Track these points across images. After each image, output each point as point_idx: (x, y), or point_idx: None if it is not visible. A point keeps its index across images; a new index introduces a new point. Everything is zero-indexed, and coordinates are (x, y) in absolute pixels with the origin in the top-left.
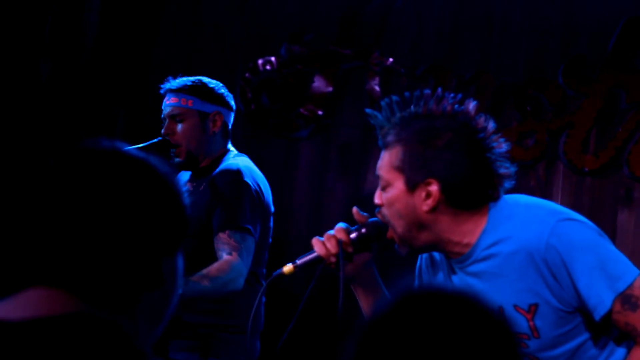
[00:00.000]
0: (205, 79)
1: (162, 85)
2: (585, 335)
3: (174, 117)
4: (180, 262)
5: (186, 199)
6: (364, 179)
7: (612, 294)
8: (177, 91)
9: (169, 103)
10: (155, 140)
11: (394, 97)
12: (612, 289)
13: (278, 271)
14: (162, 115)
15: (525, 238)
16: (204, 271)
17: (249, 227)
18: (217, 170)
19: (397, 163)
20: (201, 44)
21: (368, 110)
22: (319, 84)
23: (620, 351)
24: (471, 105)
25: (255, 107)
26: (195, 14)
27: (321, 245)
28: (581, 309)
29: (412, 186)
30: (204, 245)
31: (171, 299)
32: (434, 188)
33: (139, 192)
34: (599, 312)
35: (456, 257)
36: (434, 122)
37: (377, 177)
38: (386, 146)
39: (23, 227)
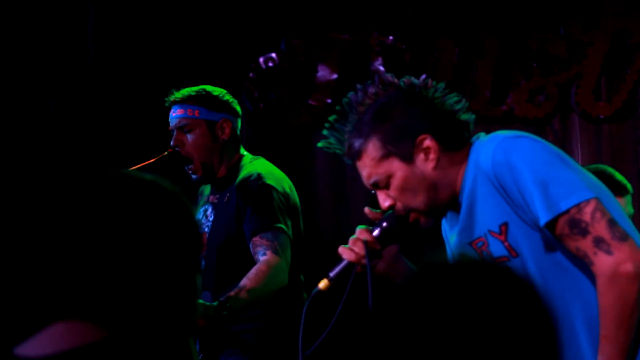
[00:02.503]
0: (209, 88)
1: (166, 98)
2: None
3: (182, 129)
4: (199, 279)
5: (199, 216)
6: None
7: (550, 212)
8: (182, 102)
9: (175, 115)
10: (166, 153)
11: (331, 118)
12: (550, 207)
13: (315, 290)
14: (170, 127)
15: (480, 160)
16: (244, 280)
17: (280, 225)
18: (239, 179)
19: (381, 152)
20: (200, 50)
21: (321, 146)
22: (323, 72)
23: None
24: (410, 77)
25: (264, 105)
26: (190, 22)
27: (349, 252)
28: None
29: (408, 157)
30: (234, 255)
31: (194, 316)
32: (427, 142)
33: (155, 215)
34: (540, 226)
35: (458, 208)
36: (380, 101)
37: (373, 186)
38: (358, 155)
39: (42, 260)
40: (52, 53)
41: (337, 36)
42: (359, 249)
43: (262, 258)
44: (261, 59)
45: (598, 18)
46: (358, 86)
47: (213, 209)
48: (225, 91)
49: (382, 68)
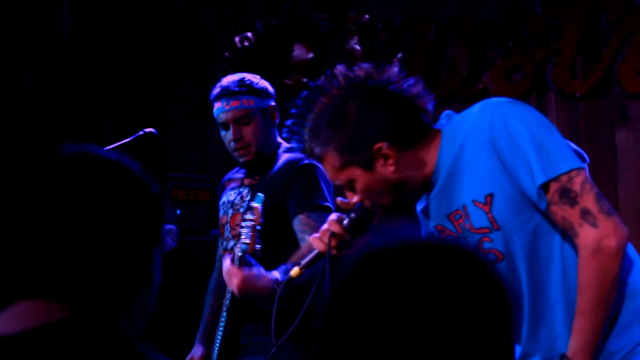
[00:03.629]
0: (249, 76)
1: (212, 94)
2: (544, 227)
3: (239, 120)
4: (158, 256)
5: (231, 199)
6: None
7: (544, 175)
8: (235, 94)
9: (229, 108)
10: (141, 133)
11: (287, 122)
12: (545, 170)
13: (287, 277)
14: (221, 122)
15: (472, 127)
16: (292, 260)
17: (328, 204)
18: (285, 159)
19: (340, 162)
20: (176, 29)
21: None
22: (299, 52)
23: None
24: (364, 66)
25: None
26: (167, 0)
27: (319, 242)
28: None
29: (368, 164)
30: (270, 230)
31: (155, 293)
32: (384, 149)
33: (115, 192)
34: (530, 191)
35: (430, 189)
36: (334, 105)
37: (339, 186)
38: (320, 160)
39: (5, 240)
40: (27, 30)
41: (313, 15)
42: (327, 239)
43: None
44: (237, 38)
45: None
46: (311, 84)
47: (250, 191)
48: (259, 76)
49: (357, 47)
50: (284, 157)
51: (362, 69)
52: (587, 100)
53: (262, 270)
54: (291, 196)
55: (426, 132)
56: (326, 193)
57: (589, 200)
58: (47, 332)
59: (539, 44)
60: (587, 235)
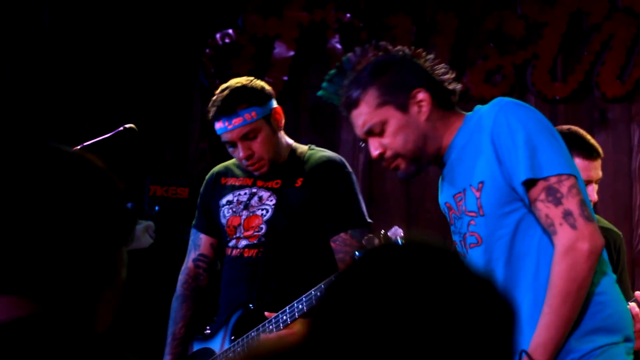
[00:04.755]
0: (242, 82)
1: (209, 115)
2: (526, 222)
3: (246, 136)
4: (125, 255)
5: (240, 199)
6: (338, 138)
7: (531, 172)
8: (235, 111)
9: (233, 127)
10: (121, 129)
11: (331, 71)
12: (533, 168)
13: None
14: (227, 140)
15: (481, 119)
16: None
17: (370, 221)
18: (313, 163)
19: (378, 101)
20: (157, 25)
21: (320, 94)
22: (280, 49)
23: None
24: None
25: (220, 81)
26: None
27: None
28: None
29: (404, 107)
30: (299, 241)
31: (121, 289)
32: (421, 95)
33: (79, 187)
34: (516, 184)
35: (442, 166)
36: (378, 59)
37: (367, 134)
38: (356, 104)
39: None
40: (7, 26)
41: (295, 13)
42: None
43: (350, 262)
44: (218, 35)
45: None
46: (356, 49)
47: (274, 194)
48: (252, 78)
49: (339, 46)
50: (314, 158)
51: (401, 47)
52: (567, 103)
53: None
54: (328, 210)
55: (453, 108)
56: (364, 207)
57: (573, 203)
58: (11, 329)
59: (519, 45)
60: (564, 234)
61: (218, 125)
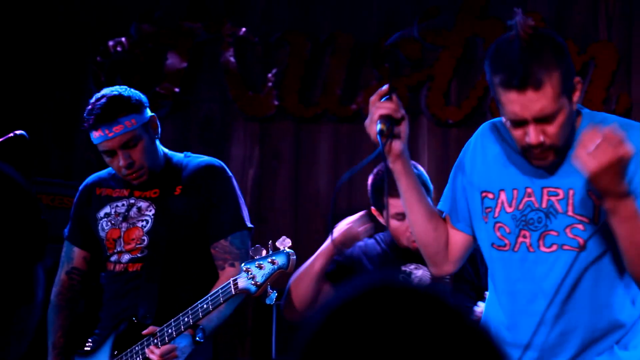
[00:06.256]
0: (118, 90)
1: (87, 123)
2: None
3: (126, 145)
4: (41, 272)
5: (118, 210)
6: (228, 152)
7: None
8: (115, 118)
9: (113, 135)
10: (11, 135)
11: (502, 39)
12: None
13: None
14: (105, 149)
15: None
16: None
17: (251, 225)
18: (191, 170)
19: (560, 89)
20: (50, 29)
21: (488, 58)
22: (172, 60)
23: None
24: None
25: None
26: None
27: (383, 106)
28: None
29: (571, 97)
30: (186, 251)
31: (37, 312)
32: (579, 84)
33: None
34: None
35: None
36: (552, 36)
37: (537, 120)
38: (539, 85)
39: None
40: None
41: (189, 24)
42: (390, 103)
43: (228, 270)
44: (110, 43)
45: (452, 23)
46: (517, 10)
47: (152, 204)
48: (125, 87)
49: (232, 59)
50: (192, 164)
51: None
52: (459, 127)
53: None
54: (210, 217)
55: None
56: (245, 211)
57: None
58: None
59: (415, 67)
60: None
61: (97, 134)
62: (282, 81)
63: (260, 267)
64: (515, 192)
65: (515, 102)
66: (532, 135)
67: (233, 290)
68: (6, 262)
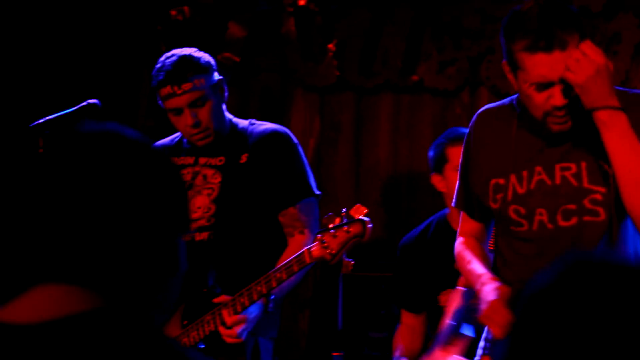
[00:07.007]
0: (188, 52)
1: (156, 80)
2: None
3: (194, 104)
4: (183, 244)
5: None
6: (288, 122)
7: None
8: (185, 76)
9: (182, 92)
10: (84, 104)
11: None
12: None
13: None
14: (173, 107)
15: None
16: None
17: (319, 192)
18: (256, 137)
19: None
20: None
21: (512, 13)
22: (233, 30)
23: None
24: None
25: None
26: None
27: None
28: None
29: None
30: (255, 219)
31: (180, 282)
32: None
33: (143, 174)
34: None
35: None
36: (566, 3)
37: (561, 80)
38: (564, 45)
39: (25, 221)
40: None
41: None
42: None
43: (298, 237)
44: (172, 12)
45: None
46: None
47: (218, 171)
48: (196, 48)
49: (293, 29)
50: (257, 132)
51: None
52: None
53: None
54: (275, 184)
55: None
56: (312, 178)
57: None
58: (74, 323)
59: (475, 39)
60: None
61: (165, 92)
62: (342, 51)
63: (335, 236)
64: (525, 173)
65: (543, 64)
66: (558, 96)
67: (308, 259)
68: (153, 234)
